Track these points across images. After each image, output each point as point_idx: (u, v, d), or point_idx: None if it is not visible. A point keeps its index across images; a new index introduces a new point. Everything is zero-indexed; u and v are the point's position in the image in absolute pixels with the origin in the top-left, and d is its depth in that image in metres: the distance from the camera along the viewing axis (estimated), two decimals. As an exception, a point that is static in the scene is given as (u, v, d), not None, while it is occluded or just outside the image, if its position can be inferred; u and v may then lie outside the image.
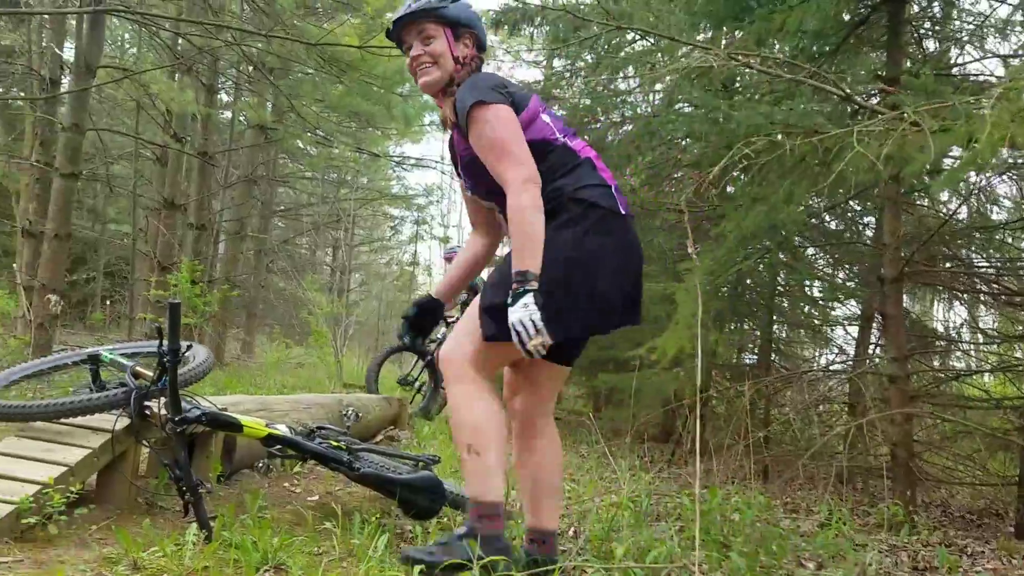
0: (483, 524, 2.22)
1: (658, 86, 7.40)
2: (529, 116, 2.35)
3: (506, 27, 7.93)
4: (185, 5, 9.63)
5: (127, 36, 17.70)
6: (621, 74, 7.16)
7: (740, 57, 3.41)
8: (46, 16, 9.67)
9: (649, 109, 7.48)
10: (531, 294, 2.14)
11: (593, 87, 7.76)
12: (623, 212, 2.36)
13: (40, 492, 2.52)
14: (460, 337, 2.36)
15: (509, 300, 2.18)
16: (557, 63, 9.38)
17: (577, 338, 2.45)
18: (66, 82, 9.36)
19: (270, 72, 10.62)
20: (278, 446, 2.96)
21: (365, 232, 25.00)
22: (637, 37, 7.15)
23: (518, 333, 2.14)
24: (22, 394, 5.11)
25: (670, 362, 4.31)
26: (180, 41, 10.50)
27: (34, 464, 2.66)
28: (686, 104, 6.89)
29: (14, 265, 9.75)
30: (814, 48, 4.76)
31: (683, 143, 6.48)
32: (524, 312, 2.13)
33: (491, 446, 2.24)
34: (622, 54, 7.48)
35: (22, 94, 11.67)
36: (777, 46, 4.96)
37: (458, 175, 2.59)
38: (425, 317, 2.68)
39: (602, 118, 7.60)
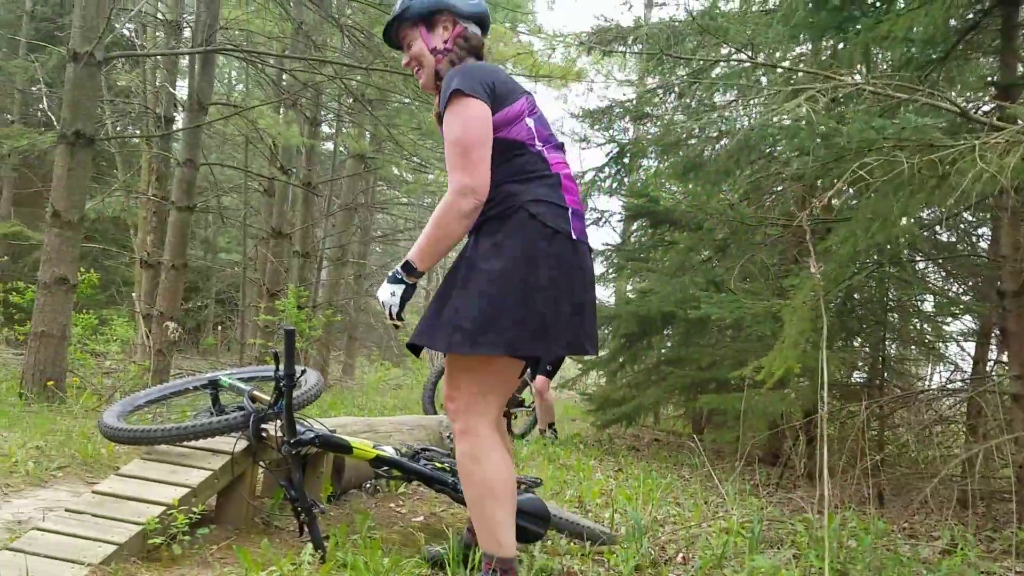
0: None
1: (754, 100, 7.26)
2: (512, 115, 2.29)
3: (598, 48, 7.93)
4: (289, 43, 10.04)
5: (234, 74, 18.56)
6: (719, 90, 7.05)
7: (850, 78, 3.31)
8: (160, 57, 10.26)
9: (747, 123, 7.34)
10: (404, 287, 2.26)
11: (687, 103, 7.68)
12: (574, 237, 2.28)
13: (165, 513, 2.64)
14: (455, 387, 2.30)
15: (387, 276, 2.30)
16: (650, 80, 9.33)
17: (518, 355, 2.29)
18: (180, 119, 9.88)
19: (369, 103, 10.93)
20: (385, 467, 3.01)
21: (461, 255, 25.28)
22: (734, 50, 7.04)
23: (383, 305, 2.27)
24: (143, 419, 5.36)
25: (777, 382, 4.17)
26: (285, 77, 10.95)
27: (159, 486, 2.79)
28: (786, 117, 6.75)
29: (133, 294, 10.31)
30: (922, 56, 4.58)
31: (784, 156, 6.33)
32: (390, 298, 2.25)
33: (502, 502, 2.23)
34: (718, 70, 7.37)
35: (139, 132, 12.36)
36: (880, 54, 4.81)
37: None
38: None
39: (698, 133, 7.50)
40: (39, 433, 4.69)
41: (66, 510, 2.70)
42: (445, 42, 2.41)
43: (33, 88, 14.90)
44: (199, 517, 2.80)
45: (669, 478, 5.20)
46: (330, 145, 15.74)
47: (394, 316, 2.27)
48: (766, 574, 2.52)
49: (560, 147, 2.42)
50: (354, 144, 13.36)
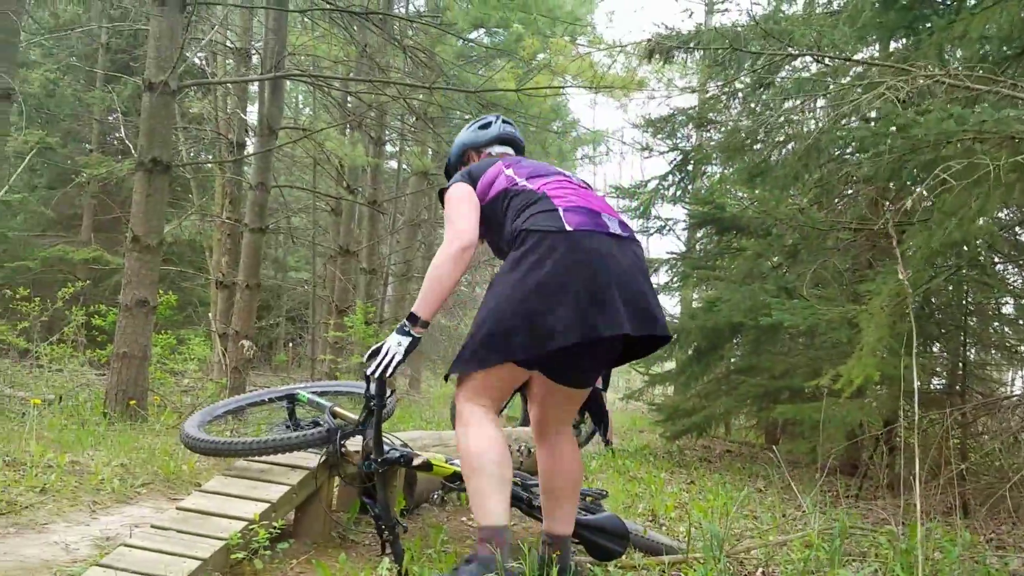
0: (481, 548, 2.28)
1: (820, 102, 7.12)
2: (488, 179, 2.66)
3: (659, 56, 7.88)
4: (354, 66, 10.25)
5: (301, 98, 19.02)
6: (788, 95, 6.92)
7: (924, 70, 3.22)
8: (231, 84, 10.58)
9: (815, 126, 7.20)
10: (411, 339, 2.47)
11: (752, 108, 7.57)
12: (569, 228, 2.39)
13: (246, 528, 2.70)
14: (460, 383, 2.51)
15: (396, 329, 2.51)
16: (712, 87, 9.23)
17: (564, 363, 2.53)
18: (251, 144, 10.16)
19: (431, 121, 11.08)
20: (459, 482, 3.02)
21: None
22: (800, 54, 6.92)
23: (383, 355, 2.46)
24: (221, 431, 5.49)
25: (855, 391, 4.06)
26: (350, 99, 11.18)
27: (240, 501, 2.85)
28: (855, 118, 6.59)
29: (209, 314, 10.61)
30: (998, 54, 4.42)
31: (855, 157, 6.18)
32: (396, 348, 2.46)
33: (484, 469, 2.34)
34: (782, 73, 7.26)
35: (212, 157, 12.76)
36: (952, 53, 4.66)
37: None
38: None
39: (763, 138, 7.38)
40: (123, 451, 4.85)
41: (152, 526, 2.78)
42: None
43: (110, 117, 15.53)
44: (279, 532, 2.86)
45: (745, 490, 5.10)
46: (394, 164, 16.00)
47: (393, 365, 2.46)
48: (850, 588, 2.44)
49: (546, 175, 2.67)
50: (417, 162, 13.55)
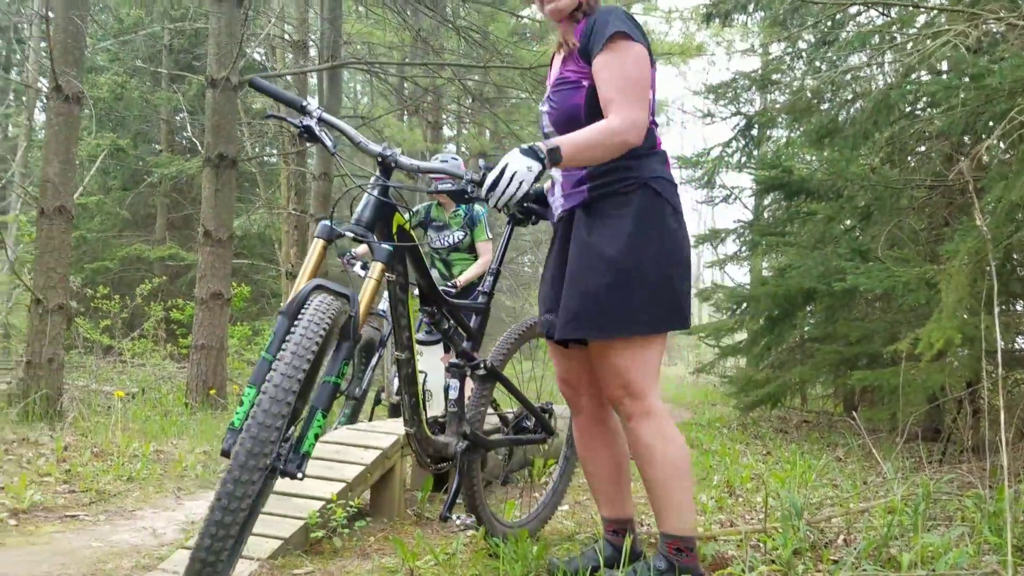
0: (680, 558, 2.19)
1: (889, 56, 6.85)
2: (653, 82, 2.24)
3: (718, 19, 7.69)
4: (409, 51, 10.29)
5: (359, 87, 19.21)
6: (853, 52, 6.68)
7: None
8: (290, 77, 10.74)
9: (884, 82, 6.94)
10: (541, 169, 1.97)
11: (817, 67, 7.33)
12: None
13: (324, 507, 2.76)
14: (629, 370, 2.20)
15: (521, 148, 1.99)
16: (775, 48, 8.98)
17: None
18: (312, 135, 10.31)
19: (487, 102, 11.07)
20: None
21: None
22: (862, 9, 6.67)
23: (507, 180, 1.94)
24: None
25: (936, 354, 3.92)
26: (406, 84, 11.24)
27: (317, 482, 2.91)
28: (924, 71, 6.32)
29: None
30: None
31: (927, 112, 5.94)
32: (526, 173, 1.94)
33: (688, 481, 2.23)
34: (847, 30, 7.00)
35: (276, 151, 13.00)
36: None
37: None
38: None
39: (830, 97, 7.15)
40: (205, 439, 5.01)
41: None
42: None
43: (177, 117, 15.95)
44: (356, 511, 2.91)
45: (823, 459, 4.99)
46: (452, 147, 16.06)
47: (516, 196, 1.95)
48: (939, 551, 2.36)
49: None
50: (474, 143, 13.58)
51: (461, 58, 10.11)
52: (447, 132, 15.95)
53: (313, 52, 11.33)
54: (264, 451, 1.61)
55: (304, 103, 2.23)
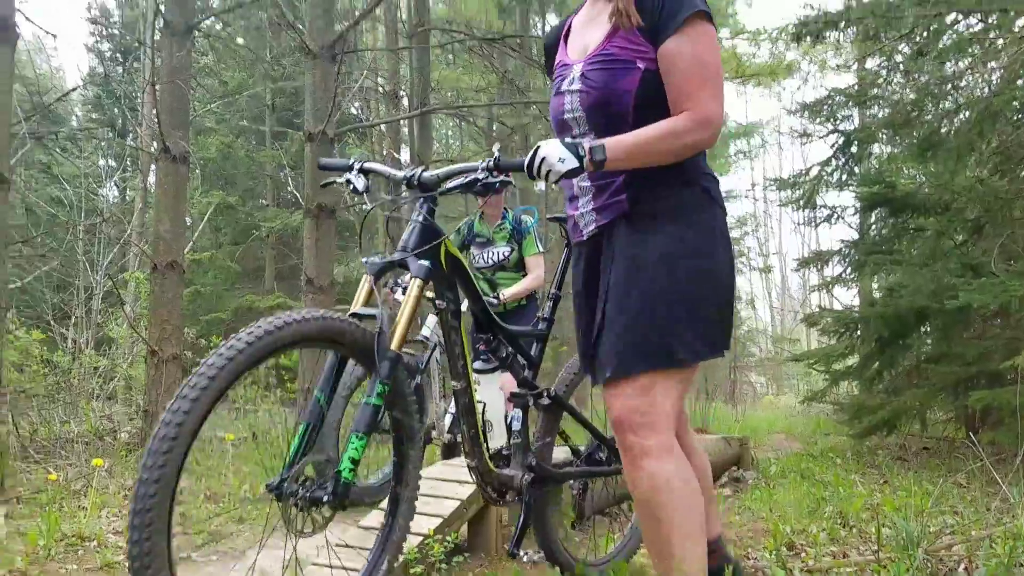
0: None
1: (992, 63, 6.55)
2: None
3: (809, 37, 7.54)
4: (495, 92, 10.49)
5: (450, 133, 19.67)
6: (951, 60, 6.42)
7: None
8: (384, 126, 11.11)
9: (988, 90, 6.63)
10: (577, 167, 1.76)
11: (916, 79, 7.07)
12: None
13: (423, 543, 2.78)
14: (649, 400, 1.87)
15: (564, 141, 1.79)
16: (870, 62, 8.71)
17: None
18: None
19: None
20: None
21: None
22: (960, 18, 6.41)
23: (539, 161, 1.77)
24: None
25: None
26: (494, 126, 11.44)
27: (416, 517, 2.93)
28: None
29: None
30: None
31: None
32: (558, 164, 1.76)
33: (702, 522, 1.91)
34: (944, 40, 6.74)
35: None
36: None
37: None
38: None
39: (931, 109, 6.87)
40: (313, 479, 5.12)
41: (336, 545, 2.92)
42: None
43: (281, 173, 16.70)
44: (454, 545, 2.92)
45: (942, 486, 4.70)
46: (542, 185, 16.18)
47: (543, 176, 1.79)
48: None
49: None
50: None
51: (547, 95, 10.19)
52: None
53: (405, 101, 11.69)
54: None
55: (349, 161, 2.28)
